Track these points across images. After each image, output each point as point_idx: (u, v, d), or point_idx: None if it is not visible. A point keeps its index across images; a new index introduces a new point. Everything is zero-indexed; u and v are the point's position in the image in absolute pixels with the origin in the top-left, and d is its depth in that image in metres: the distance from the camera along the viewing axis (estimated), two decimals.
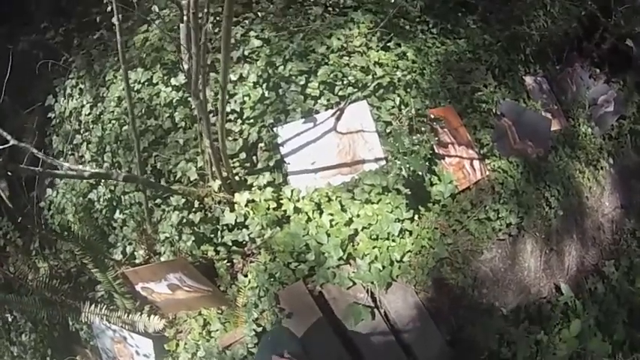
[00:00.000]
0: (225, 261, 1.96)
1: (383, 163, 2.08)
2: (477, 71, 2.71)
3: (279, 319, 1.86)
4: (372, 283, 1.97)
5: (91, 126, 2.54)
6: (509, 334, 2.28)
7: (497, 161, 2.54)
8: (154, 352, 2.11)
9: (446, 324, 2.22)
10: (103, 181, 2.35)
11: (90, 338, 2.38)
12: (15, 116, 3.16)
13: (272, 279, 1.88)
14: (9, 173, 2.92)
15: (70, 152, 2.65)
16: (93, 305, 2.19)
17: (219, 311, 2.03)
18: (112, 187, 2.29)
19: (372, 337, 1.98)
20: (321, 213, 1.92)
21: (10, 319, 2.72)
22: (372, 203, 1.98)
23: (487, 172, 2.47)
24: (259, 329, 1.85)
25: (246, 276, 1.95)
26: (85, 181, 2.44)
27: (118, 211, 2.26)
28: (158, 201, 2.11)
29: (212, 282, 1.93)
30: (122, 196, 2.24)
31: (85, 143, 2.53)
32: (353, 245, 1.95)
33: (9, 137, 1.79)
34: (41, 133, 2.98)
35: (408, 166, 1.87)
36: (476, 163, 2.42)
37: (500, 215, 2.44)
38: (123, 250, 2.19)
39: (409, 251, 2.05)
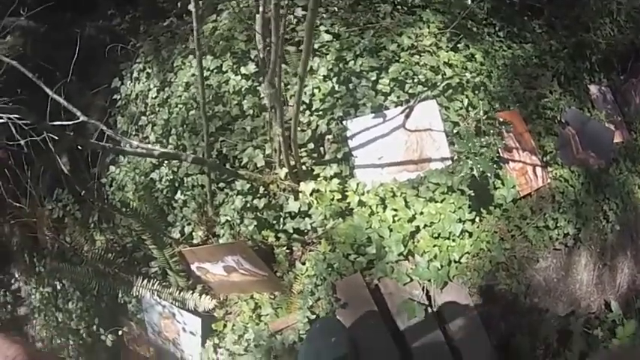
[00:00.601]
0: (285, 248, 1.97)
1: (449, 163, 2.05)
2: (543, 77, 2.63)
3: (334, 309, 1.86)
4: (429, 281, 1.94)
5: (157, 109, 2.60)
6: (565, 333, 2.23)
7: (560, 170, 2.45)
8: (201, 331, 2.15)
9: (495, 330, 2.17)
10: (166, 161, 2.41)
11: (137, 311, 2.45)
12: (81, 97, 3.29)
13: (330, 269, 1.88)
14: (79, 147, 3.04)
15: (134, 133, 2.73)
16: (146, 280, 2.24)
17: (272, 296, 2.04)
18: (175, 169, 2.35)
19: (423, 335, 1.96)
20: (384, 207, 1.91)
21: (59, 287, 2.82)
22: (436, 202, 1.95)
23: (549, 180, 2.39)
24: (313, 317, 1.86)
25: (304, 264, 1.96)
26: (148, 160, 2.51)
27: (179, 192, 2.31)
28: (222, 185, 2.14)
29: (269, 267, 1.95)
30: (185, 178, 2.29)
31: (150, 125, 2.59)
32: (414, 242, 1.93)
33: (78, 113, 1.85)
34: (106, 114, 3.10)
35: (478, 166, 1.83)
36: (538, 169, 2.35)
37: (558, 224, 2.37)
38: (181, 230, 2.24)
39: (467, 252, 2.01)
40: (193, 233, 2.19)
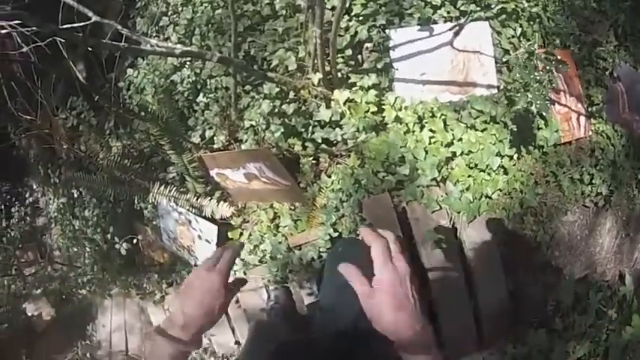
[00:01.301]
0: (311, 158, 1.83)
1: (494, 91, 1.87)
2: (600, 24, 2.38)
3: (358, 228, 1.74)
4: (458, 212, 1.81)
5: (179, 8, 2.39)
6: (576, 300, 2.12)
7: (603, 125, 2.26)
8: (217, 239, 2.05)
9: (513, 274, 2.07)
10: (188, 63, 2.23)
11: (153, 218, 2.35)
12: (95, 1, 3.05)
13: (357, 185, 1.75)
14: (90, 48, 2.84)
15: (154, 34, 2.53)
16: (162, 186, 2.12)
17: (292, 207, 1.92)
18: (198, 70, 2.17)
19: (442, 267, 1.85)
20: (422, 127, 1.75)
21: (75, 195, 2.72)
22: (476, 130, 1.79)
23: (590, 133, 2.21)
24: (335, 234, 1.74)
25: (330, 177, 1.82)
26: (169, 62, 2.33)
27: (201, 94, 2.15)
28: (247, 87, 1.97)
29: (293, 177, 1.82)
30: (208, 80, 2.11)
31: (172, 25, 2.39)
32: (448, 169, 1.78)
33: (90, 13, 1.65)
34: (124, 17, 2.88)
35: (537, 101, 1.65)
36: (582, 119, 2.17)
37: (593, 181, 2.21)
38: (202, 134, 2.09)
39: (500, 190, 1.87)
40: (215, 138, 2.04)
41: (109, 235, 2.50)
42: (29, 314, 3.11)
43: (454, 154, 1.77)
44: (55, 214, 2.86)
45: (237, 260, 2.00)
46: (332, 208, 1.74)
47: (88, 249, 2.66)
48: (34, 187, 3.44)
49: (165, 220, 2.23)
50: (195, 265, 2.29)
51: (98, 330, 2.88)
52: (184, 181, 2.12)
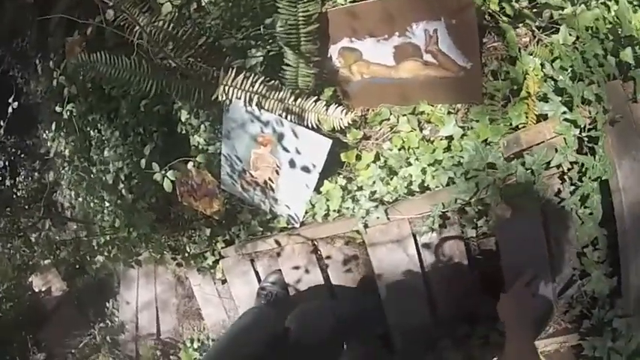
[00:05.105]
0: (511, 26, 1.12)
1: None
2: None
3: (606, 118, 1.02)
4: None
5: None
6: None
7: None
8: (323, 161, 1.26)
9: None
10: None
11: (209, 141, 1.52)
12: None
13: (584, 65, 1.06)
14: None
15: None
16: (242, 75, 1.22)
17: (451, 109, 1.20)
18: None
19: None
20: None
21: (92, 134, 1.91)
22: None
23: None
24: (576, 131, 1.01)
25: (531, 55, 1.12)
26: None
27: None
28: None
29: (479, 53, 1.10)
30: None
31: None
32: None
33: None
34: None
35: None
36: None
37: None
38: None
39: None
40: None
41: (135, 181, 1.74)
42: (36, 290, 2.45)
43: None
44: (67, 157, 2.05)
45: (366, 193, 1.24)
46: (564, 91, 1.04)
47: (107, 202, 1.88)
48: (45, 135, 2.65)
49: (233, 141, 1.42)
50: (271, 211, 1.51)
51: (121, 308, 2.15)
52: (281, 70, 1.29)
